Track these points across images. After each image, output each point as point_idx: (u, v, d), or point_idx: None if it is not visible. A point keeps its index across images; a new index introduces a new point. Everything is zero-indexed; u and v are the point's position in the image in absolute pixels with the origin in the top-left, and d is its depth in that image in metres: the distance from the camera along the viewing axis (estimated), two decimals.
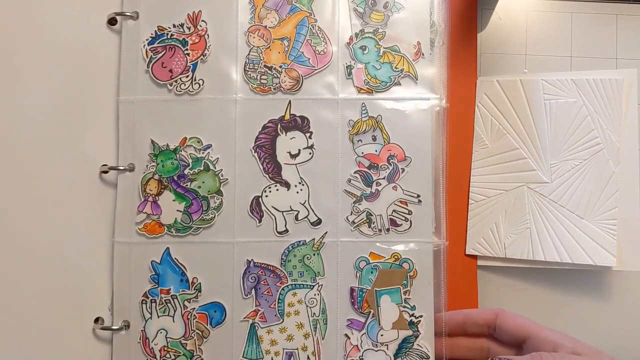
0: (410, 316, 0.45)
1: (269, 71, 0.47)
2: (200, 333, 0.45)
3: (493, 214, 0.50)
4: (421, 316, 0.45)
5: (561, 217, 0.49)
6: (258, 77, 0.47)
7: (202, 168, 0.47)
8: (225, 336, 0.46)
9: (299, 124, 0.47)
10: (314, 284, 0.46)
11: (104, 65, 0.47)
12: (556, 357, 0.38)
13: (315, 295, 0.46)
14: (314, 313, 0.46)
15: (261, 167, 0.47)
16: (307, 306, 0.46)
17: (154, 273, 0.46)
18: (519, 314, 0.43)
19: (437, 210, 0.47)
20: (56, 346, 0.44)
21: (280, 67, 0.47)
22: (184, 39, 0.47)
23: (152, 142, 0.47)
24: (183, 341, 0.45)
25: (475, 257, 0.50)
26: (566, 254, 0.48)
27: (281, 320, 0.46)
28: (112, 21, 0.48)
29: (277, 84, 0.47)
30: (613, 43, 0.52)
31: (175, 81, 0.47)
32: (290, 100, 0.47)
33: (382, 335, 0.45)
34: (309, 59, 0.47)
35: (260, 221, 0.46)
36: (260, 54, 0.47)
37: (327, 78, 0.47)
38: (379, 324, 0.45)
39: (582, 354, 0.39)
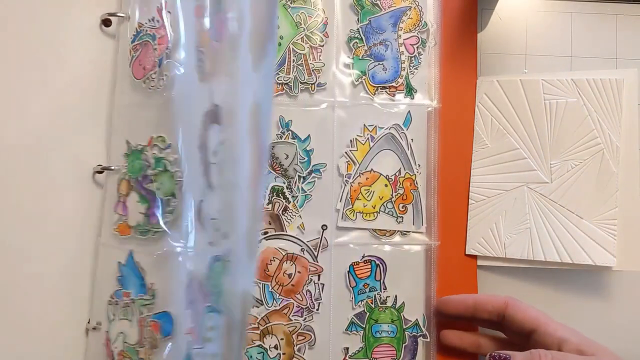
0: None
1: None
2: (151, 342, 0.42)
3: (493, 214, 0.50)
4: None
5: (561, 217, 0.49)
6: None
7: (162, 169, 0.43)
8: (174, 349, 0.41)
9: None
10: None
11: (100, 65, 0.47)
12: (555, 356, 0.38)
13: None
14: None
15: None
16: None
17: (120, 274, 0.44)
18: (530, 305, 0.43)
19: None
20: (52, 345, 0.43)
21: None
22: (153, 33, 0.45)
23: (127, 142, 0.45)
24: (137, 348, 0.42)
25: (475, 257, 0.50)
26: (566, 254, 0.48)
27: None
28: (106, 23, 0.46)
29: None
30: (613, 43, 0.52)
31: (147, 78, 0.44)
32: None
33: None
34: None
35: None
36: None
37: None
38: None
39: (588, 352, 0.39)
